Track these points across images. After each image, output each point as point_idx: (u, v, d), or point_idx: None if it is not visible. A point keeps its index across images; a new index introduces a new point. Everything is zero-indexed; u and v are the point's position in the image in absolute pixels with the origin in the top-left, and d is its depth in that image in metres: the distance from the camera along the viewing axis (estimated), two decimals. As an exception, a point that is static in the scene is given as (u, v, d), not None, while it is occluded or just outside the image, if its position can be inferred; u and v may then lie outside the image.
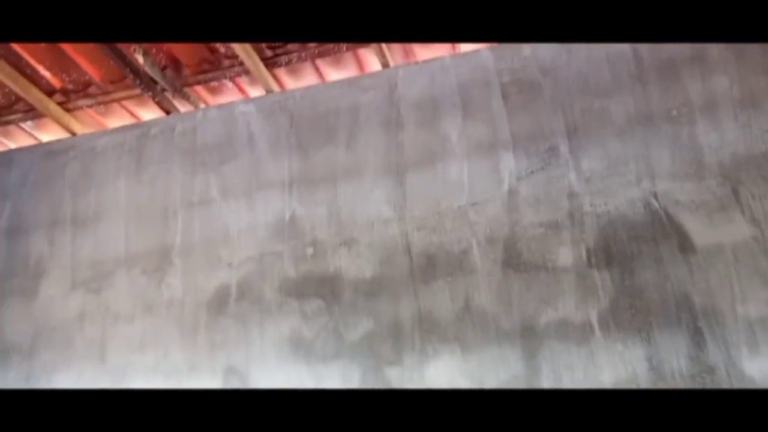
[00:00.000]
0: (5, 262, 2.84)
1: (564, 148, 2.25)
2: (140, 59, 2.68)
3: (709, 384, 1.84)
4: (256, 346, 2.32)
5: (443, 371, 2.07)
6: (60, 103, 3.02)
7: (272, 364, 2.26)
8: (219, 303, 2.44)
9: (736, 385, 1.82)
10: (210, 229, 2.60)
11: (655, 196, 2.09)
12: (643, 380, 1.90)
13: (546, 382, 1.98)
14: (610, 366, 1.93)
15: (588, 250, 2.09)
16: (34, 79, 2.91)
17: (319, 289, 2.33)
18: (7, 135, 3.26)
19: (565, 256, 2.11)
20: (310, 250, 2.41)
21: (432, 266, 2.24)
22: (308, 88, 2.73)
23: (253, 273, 2.45)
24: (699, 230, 2.01)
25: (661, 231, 2.04)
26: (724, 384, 1.83)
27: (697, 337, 1.89)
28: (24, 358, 2.60)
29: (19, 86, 2.83)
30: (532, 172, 2.27)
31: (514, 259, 2.16)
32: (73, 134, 3.10)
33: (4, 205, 2.99)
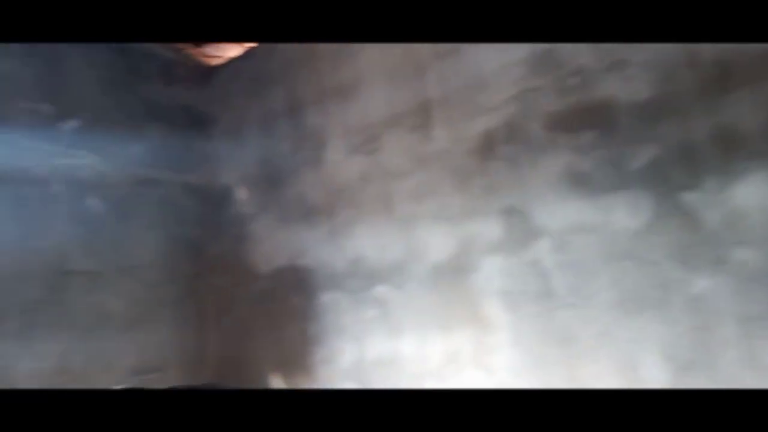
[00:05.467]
0: (293, 138, 3.27)
1: None
2: None
3: None
4: (529, 184, 2.31)
5: (754, 192, 1.82)
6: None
7: (550, 200, 2.24)
8: (486, 148, 2.47)
9: None
10: (463, 77, 2.58)
11: None
12: None
13: None
14: None
15: None
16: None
17: (589, 119, 2.19)
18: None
19: None
20: (573, 80, 2.24)
21: (725, 77, 1.91)
22: None
23: (514, 113, 2.39)
24: None
25: None
26: None
27: None
28: (327, 217, 3.04)
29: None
30: None
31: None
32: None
33: (279, 90, 3.37)
